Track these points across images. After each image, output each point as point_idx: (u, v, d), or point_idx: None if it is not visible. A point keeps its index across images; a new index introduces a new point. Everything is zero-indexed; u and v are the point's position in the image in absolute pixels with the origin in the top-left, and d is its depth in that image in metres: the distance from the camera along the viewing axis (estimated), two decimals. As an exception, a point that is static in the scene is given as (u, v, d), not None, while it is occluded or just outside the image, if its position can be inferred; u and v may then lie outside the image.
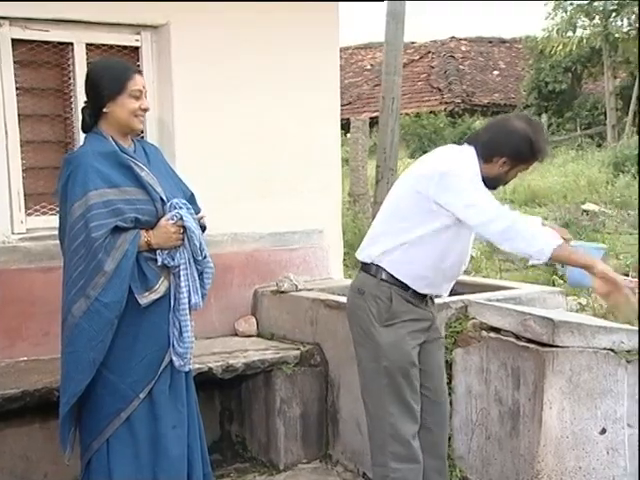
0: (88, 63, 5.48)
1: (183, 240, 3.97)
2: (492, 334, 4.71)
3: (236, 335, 5.96)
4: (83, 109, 4.05)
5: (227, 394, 5.76)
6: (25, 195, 5.41)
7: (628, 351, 4.46)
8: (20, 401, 4.67)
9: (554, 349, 4.34)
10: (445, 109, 27.39)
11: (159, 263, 3.96)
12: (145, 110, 4.03)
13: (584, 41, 27.06)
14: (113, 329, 3.87)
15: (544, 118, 27.70)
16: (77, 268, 3.87)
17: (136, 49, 5.70)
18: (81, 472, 4.20)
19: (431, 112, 26.69)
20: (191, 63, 5.67)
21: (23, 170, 5.39)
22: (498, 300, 5.08)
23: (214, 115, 5.76)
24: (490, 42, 33.11)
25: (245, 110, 5.92)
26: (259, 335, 5.98)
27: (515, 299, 5.25)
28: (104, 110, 3.94)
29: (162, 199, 3.99)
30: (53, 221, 5.34)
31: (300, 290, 5.85)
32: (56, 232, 5.26)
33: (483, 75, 30.39)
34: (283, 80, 6.08)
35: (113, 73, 3.97)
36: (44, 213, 5.50)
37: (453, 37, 32.23)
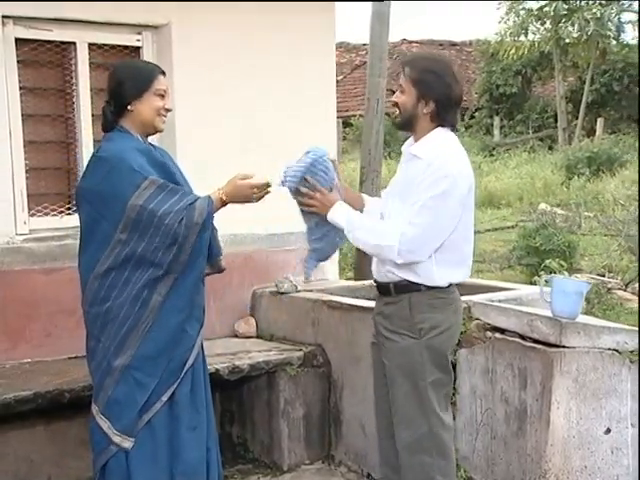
0: (91, 63, 5.50)
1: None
2: (497, 335, 4.73)
3: (235, 336, 5.96)
4: (104, 107, 4.02)
5: (228, 395, 5.75)
6: (27, 196, 5.36)
7: (631, 351, 4.53)
8: (32, 403, 4.64)
9: (561, 349, 4.38)
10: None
11: None
12: (168, 110, 4.05)
13: (536, 45, 27.42)
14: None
15: (496, 120, 28.03)
16: (156, 256, 3.86)
17: (137, 49, 5.69)
18: (95, 475, 4.12)
19: (385, 114, 26.70)
20: (191, 63, 5.67)
21: (26, 170, 5.35)
22: (500, 301, 5.12)
23: (214, 115, 5.76)
24: (441, 45, 33.22)
25: (244, 110, 5.93)
26: (258, 336, 5.98)
27: (516, 300, 5.30)
28: (128, 108, 3.94)
29: None
30: (55, 222, 5.37)
31: (300, 291, 5.86)
32: (58, 233, 5.30)
33: (435, 77, 30.51)
34: (282, 81, 6.09)
35: (139, 72, 4.01)
36: (46, 214, 5.45)
37: (404, 39, 32.31)
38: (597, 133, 25.39)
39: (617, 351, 4.49)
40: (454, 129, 4.06)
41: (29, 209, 5.37)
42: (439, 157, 3.86)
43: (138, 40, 5.66)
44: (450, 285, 4.03)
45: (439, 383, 4.04)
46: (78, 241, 4.02)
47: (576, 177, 18.72)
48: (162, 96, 3.99)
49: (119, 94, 3.96)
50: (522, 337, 4.60)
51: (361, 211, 4.22)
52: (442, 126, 3.98)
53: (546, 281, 4.62)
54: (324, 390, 5.58)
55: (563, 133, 26.59)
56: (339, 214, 4.02)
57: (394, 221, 3.90)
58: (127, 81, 3.94)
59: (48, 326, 5.30)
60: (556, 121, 27.69)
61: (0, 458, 4.95)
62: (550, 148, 25.13)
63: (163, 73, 4.05)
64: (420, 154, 3.94)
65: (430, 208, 3.80)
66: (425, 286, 3.96)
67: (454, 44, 33.90)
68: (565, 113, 27.17)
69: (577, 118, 27.13)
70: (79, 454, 5.06)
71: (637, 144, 21.47)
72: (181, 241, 3.82)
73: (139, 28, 5.64)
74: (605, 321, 5.06)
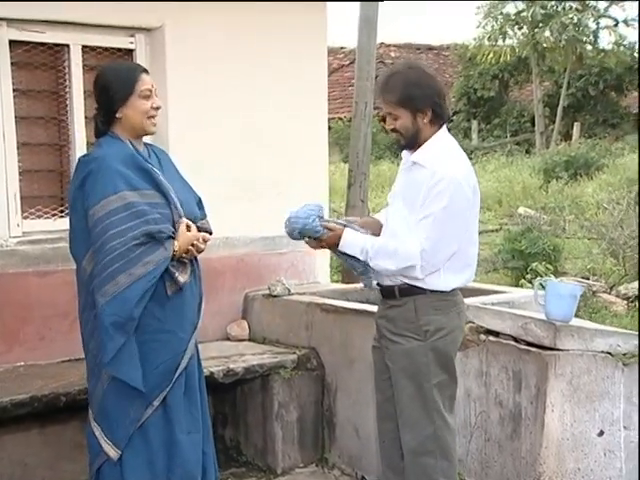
0: (84, 65, 5.48)
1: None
2: (491, 337, 4.74)
3: (228, 339, 5.96)
4: (95, 116, 4.01)
5: (221, 398, 5.74)
6: (21, 198, 5.34)
7: (624, 354, 4.55)
8: (28, 406, 4.62)
9: (556, 352, 4.39)
10: (377, 114, 27.45)
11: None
12: (157, 108, 4.00)
13: (515, 49, 27.61)
14: (115, 342, 3.79)
15: (474, 124, 28.17)
16: (92, 270, 3.82)
17: (130, 51, 5.68)
18: (91, 478, 4.11)
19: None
20: (185, 65, 5.66)
21: (19, 173, 5.33)
22: (493, 304, 5.14)
23: (206, 118, 5.75)
24: (418, 49, 33.37)
25: (235, 113, 5.93)
26: (251, 339, 5.99)
27: (508, 303, 5.33)
28: (117, 115, 3.92)
29: (176, 204, 3.98)
30: (49, 224, 5.37)
31: (292, 294, 5.87)
32: (52, 236, 5.31)
33: (412, 81, 30.54)
34: (273, 83, 6.10)
35: (120, 76, 3.94)
36: (39, 216, 5.43)
37: (382, 43, 32.23)
38: (574, 137, 25.58)
39: (610, 354, 4.52)
40: (450, 121, 4.10)
41: (22, 212, 5.35)
42: (442, 164, 3.88)
43: (131, 42, 5.65)
44: (454, 288, 4.06)
45: (444, 385, 4.06)
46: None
47: (554, 181, 18.83)
48: (148, 96, 3.95)
49: (105, 103, 3.94)
50: (516, 340, 4.62)
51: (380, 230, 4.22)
52: (441, 125, 4.01)
53: (541, 284, 4.64)
54: (318, 393, 5.59)
55: (540, 137, 26.74)
56: (350, 247, 4.03)
57: (407, 237, 3.91)
58: (110, 88, 3.91)
59: (42, 329, 5.29)
60: (533, 125, 27.91)
61: (-6, 462, 4.93)
62: (527, 152, 25.28)
63: (145, 71, 4.00)
64: (422, 162, 3.95)
65: (442, 219, 3.83)
66: (430, 289, 3.98)
67: (431, 48, 34.02)
68: (542, 117, 27.35)
69: (553, 122, 27.34)
70: (73, 458, 5.06)
71: (613, 148, 21.72)
72: (117, 267, 3.76)
73: (132, 30, 5.63)
74: (597, 324, 5.10)
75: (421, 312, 3.99)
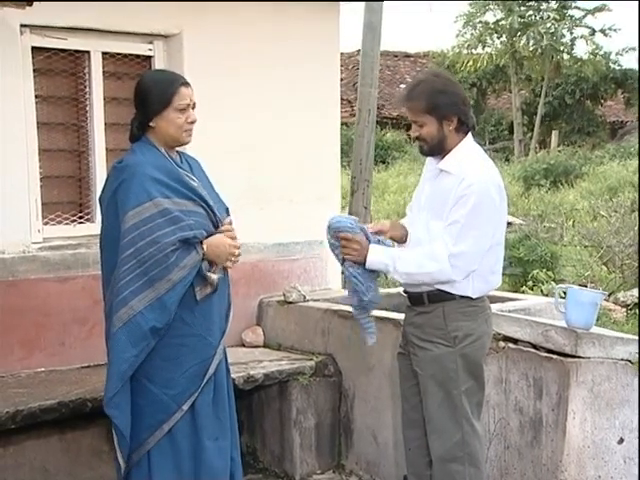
0: (103, 72, 5.51)
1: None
2: (511, 345, 4.76)
3: (243, 346, 5.97)
4: (132, 120, 4.01)
5: (237, 405, 5.73)
6: (41, 204, 5.34)
7: (642, 361, 4.60)
8: (55, 412, 4.61)
9: (577, 360, 4.42)
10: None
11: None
12: (192, 122, 3.98)
13: (493, 58, 27.81)
14: (149, 346, 3.83)
15: (453, 132, 28.31)
16: (123, 278, 3.80)
17: (149, 58, 5.70)
18: (120, 482, 4.12)
19: (343, 124, 26.80)
20: (202, 72, 5.61)
21: (39, 179, 5.33)
22: (510, 311, 5.17)
23: (221, 125, 5.74)
24: (395, 56, 33.51)
25: (249, 120, 5.96)
26: (265, 345, 6.00)
27: (525, 310, 5.36)
28: (151, 125, 3.92)
29: (213, 212, 3.99)
30: (69, 230, 5.38)
31: (307, 300, 5.88)
32: (72, 242, 5.31)
33: (390, 88, 30.70)
34: (286, 90, 6.14)
35: (159, 87, 3.93)
36: (59, 222, 5.43)
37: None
38: (552, 145, 25.79)
39: (630, 361, 4.55)
40: (474, 128, 4.13)
41: (43, 217, 5.35)
42: (470, 171, 3.93)
43: (150, 49, 5.69)
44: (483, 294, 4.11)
45: (472, 391, 4.09)
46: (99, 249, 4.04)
47: (535, 188, 18.96)
48: (184, 110, 3.93)
49: (142, 111, 3.95)
50: (535, 347, 4.64)
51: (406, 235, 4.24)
52: (466, 133, 4.05)
53: (562, 292, 4.68)
54: (335, 399, 5.61)
55: (519, 145, 26.93)
56: (379, 253, 4.04)
57: (437, 243, 3.94)
58: (147, 97, 3.92)
59: (62, 335, 5.29)
60: (510, 133, 28.14)
61: (16, 468, 4.92)
62: (507, 159, 25.43)
63: (186, 84, 3.97)
64: (450, 169, 3.99)
65: (470, 225, 3.88)
66: (459, 295, 4.02)
67: (408, 55, 34.13)
68: (521, 125, 27.56)
69: (531, 130, 27.56)
70: (92, 464, 5.08)
71: (592, 156, 21.91)
72: (155, 275, 3.79)
73: (151, 37, 5.66)
74: (617, 332, 5.13)
75: (450, 318, 4.02)
